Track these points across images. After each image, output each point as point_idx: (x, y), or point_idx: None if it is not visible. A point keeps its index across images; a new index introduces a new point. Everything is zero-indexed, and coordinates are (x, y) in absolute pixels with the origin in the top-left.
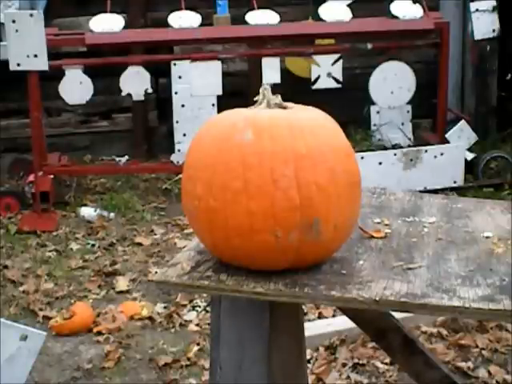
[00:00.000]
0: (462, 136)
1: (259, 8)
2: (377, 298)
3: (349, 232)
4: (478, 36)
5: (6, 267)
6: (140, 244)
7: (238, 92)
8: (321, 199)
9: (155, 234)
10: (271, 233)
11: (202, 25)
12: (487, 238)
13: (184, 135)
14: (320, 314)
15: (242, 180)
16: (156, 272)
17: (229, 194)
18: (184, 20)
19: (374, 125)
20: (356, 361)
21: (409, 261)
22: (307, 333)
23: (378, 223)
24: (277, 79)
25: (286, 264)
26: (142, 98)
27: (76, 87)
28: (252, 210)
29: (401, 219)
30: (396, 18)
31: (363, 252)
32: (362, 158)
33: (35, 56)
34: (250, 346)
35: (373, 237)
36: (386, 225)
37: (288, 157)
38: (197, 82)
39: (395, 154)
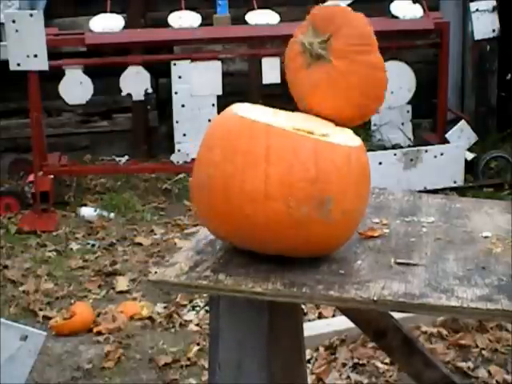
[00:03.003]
0: (461, 136)
1: (259, 8)
2: (375, 298)
3: (355, 224)
4: (478, 36)
5: (6, 267)
6: (140, 244)
7: (238, 92)
8: (335, 178)
9: (155, 234)
10: (284, 202)
11: (202, 25)
12: (486, 237)
13: (184, 135)
14: (320, 314)
15: (264, 146)
16: (156, 272)
17: (249, 157)
18: (184, 20)
19: (374, 125)
20: (356, 361)
21: (407, 261)
22: (307, 333)
23: (377, 223)
24: (277, 79)
25: (293, 245)
26: (142, 98)
27: (76, 87)
28: (269, 175)
29: (399, 219)
30: (396, 17)
31: (361, 252)
32: None
33: (35, 56)
34: (249, 345)
35: (371, 236)
36: (385, 224)
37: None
38: (197, 82)
39: (395, 154)
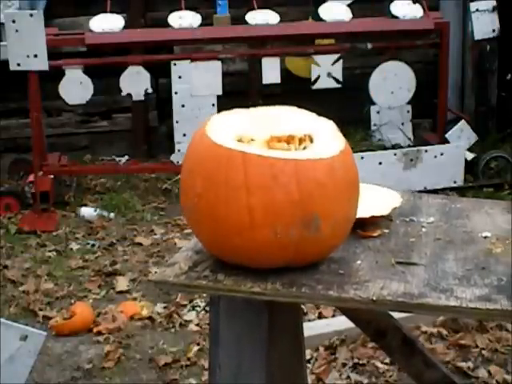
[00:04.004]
0: (462, 136)
1: (259, 8)
2: (374, 298)
3: (347, 229)
4: (478, 36)
5: (5, 267)
6: (140, 244)
7: (237, 92)
8: (320, 195)
9: (155, 234)
10: (271, 229)
11: (202, 25)
12: (485, 237)
13: (184, 135)
14: (320, 314)
15: (243, 176)
16: (156, 272)
17: (229, 189)
18: (184, 20)
19: (374, 125)
20: (356, 361)
21: (406, 261)
22: (307, 333)
23: (377, 223)
24: (277, 79)
25: (285, 261)
26: (142, 98)
27: (76, 87)
28: (252, 206)
29: (399, 219)
30: (396, 17)
31: (361, 252)
32: (362, 158)
33: (35, 56)
34: (248, 346)
35: (370, 236)
36: (385, 224)
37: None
38: (197, 82)
39: (395, 154)
